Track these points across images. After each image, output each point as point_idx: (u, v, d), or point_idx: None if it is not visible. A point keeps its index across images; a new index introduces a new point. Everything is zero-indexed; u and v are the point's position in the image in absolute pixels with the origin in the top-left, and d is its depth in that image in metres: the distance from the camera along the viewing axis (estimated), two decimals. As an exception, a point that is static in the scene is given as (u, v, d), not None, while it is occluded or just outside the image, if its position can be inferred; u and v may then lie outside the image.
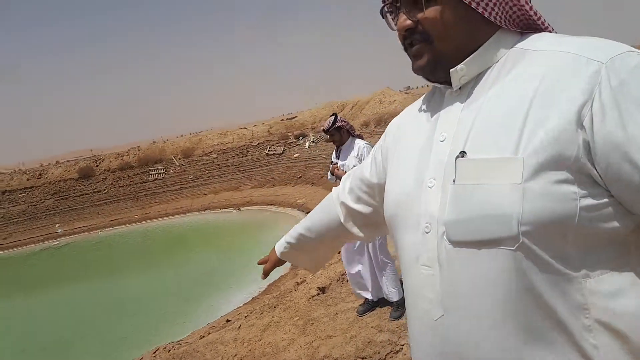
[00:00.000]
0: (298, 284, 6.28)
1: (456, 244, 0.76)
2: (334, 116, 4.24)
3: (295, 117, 35.40)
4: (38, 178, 27.79)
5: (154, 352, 7.30)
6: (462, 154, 0.77)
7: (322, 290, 5.11)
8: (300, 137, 29.01)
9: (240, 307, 9.54)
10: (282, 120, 35.35)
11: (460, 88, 0.84)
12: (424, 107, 0.96)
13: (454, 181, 0.77)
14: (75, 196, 27.26)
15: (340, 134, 4.28)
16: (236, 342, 4.67)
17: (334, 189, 1.35)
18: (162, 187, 27.87)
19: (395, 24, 0.90)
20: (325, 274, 5.71)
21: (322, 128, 4.46)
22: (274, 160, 28.14)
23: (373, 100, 26.45)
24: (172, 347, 7.04)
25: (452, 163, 0.78)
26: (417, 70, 0.87)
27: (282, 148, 28.64)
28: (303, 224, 1.36)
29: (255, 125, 33.80)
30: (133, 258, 20.33)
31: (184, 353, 5.06)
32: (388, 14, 0.92)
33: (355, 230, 1.24)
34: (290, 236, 1.39)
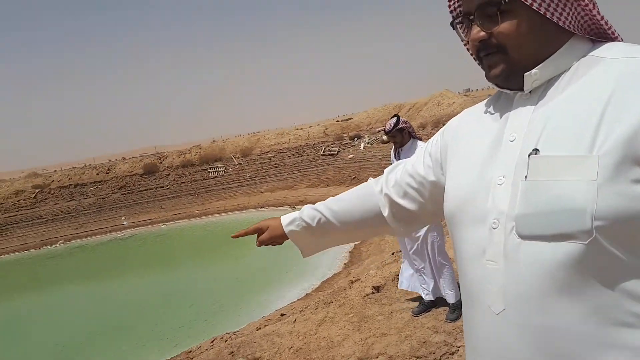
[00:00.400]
0: (352, 282, 6.35)
1: (525, 237, 0.78)
2: (396, 117, 4.26)
3: (351, 118, 35.47)
4: (107, 173, 29.51)
5: (212, 341, 7.60)
6: (535, 151, 0.79)
7: (377, 289, 5.16)
8: (356, 138, 29.05)
9: (294, 302, 9.74)
10: (338, 121, 35.53)
11: (530, 92, 0.87)
12: (489, 109, 0.97)
13: (525, 178, 0.79)
14: (140, 191, 28.74)
15: (402, 135, 4.28)
16: (292, 334, 4.81)
17: (370, 179, 1.31)
18: (221, 184, 28.82)
19: (465, 35, 0.94)
20: (380, 274, 5.75)
21: (384, 129, 4.48)
22: (329, 160, 28.36)
23: (431, 102, 26.05)
24: (229, 337, 7.30)
25: (524, 161, 0.80)
26: (491, 78, 0.89)
27: (337, 149, 28.80)
28: (329, 208, 1.29)
29: (311, 126, 34.16)
30: (193, 251, 21.17)
31: (241, 343, 5.26)
32: (458, 26, 0.96)
33: (394, 224, 1.22)
34: (309, 217, 1.30)
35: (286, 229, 1.32)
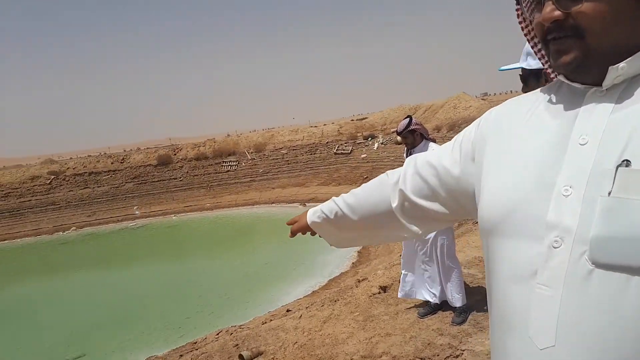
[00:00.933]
0: (359, 281, 6.35)
1: (601, 266, 0.65)
2: (408, 118, 4.25)
3: (366, 118, 35.44)
4: (121, 162, 29.81)
5: (217, 334, 7.65)
6: (626, 162, 0.66)
7: (384, 289, 5.15)
8: (369, 138, 29.00)
9: (300, 298, 9.76)
10: (352, 120, 35.50)
11: (606, 88, 0.75)
12: (547, 101, 0.84)
13: (608, 193, 0.66)
14: (153, 181, 29.00)
15: (413, 137, 4.28)
16: (297, 330, 4.83)
17: (389, 172, 1.20)
18: (233, 178, 28.97)
19: (531, 13, 0.80)
20: (387, 274, 5.74)
21: (396, 129, 4.48)
22: (342, 159, 28.34)
23: (447, 105, 25.91)
24: (235, 330, 7.34)
25: (601, 172, 0.68)
26: (559, 66, 0.76)
27: (350, 148, 28.77)
28: (345, 201, 1.24)
29: (325, 124, 34.18)
30: (202, 243, 21.31)
31: (246, 336, 5.29)
32: (524, 3, 0.82)
33: (406, 220, 1.12)
34: (328, 209, 1.27)
35: (309, 221, 1.33)
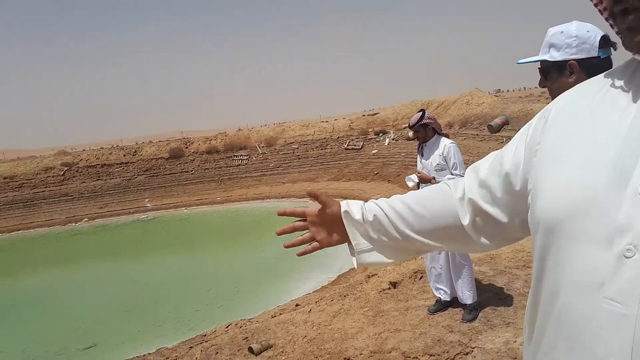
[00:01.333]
0: (369, 276, 6.34)
1: None
2: (421, 112, 4.23)
3: (377, 113, 35.25)
4: (133, 155, 30.02)
5: (227, 327, 7.69)
6: None
7: (394, 285, 5.14)
8: (381, 134, 28.87)
9: (309, 293, 9.79)
10: (364, 115, 35.36)
11: None
12: (619, 87, 0.73)
13: None
14: (165, 174, 29.18)
15: (425, 131, 4.25)
16: (306, 324, 4.84)
17: (443, 183, 1.06)
18: (244, 172, 29.06)
19: None
20: (397, 270, 5.72)
21: (407, 124, 4.45)
22: (352, 154, 28.28)
23: (460, 101, 25.65)
24: (244, 323, 7.37)
25: None
26: (634, 45, 0.66)
27: (361, 143, 28.69)
28: (393, 207, 1.06)
29: (336, 119, 34.09)
30: (213, 237, 21.44)
31: (255, 329, 5.32)
32: None
33: (476, 236, 0.98)
34: (369, 208, 1.09)
35: (343, 208, 1.10)
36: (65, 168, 28.66)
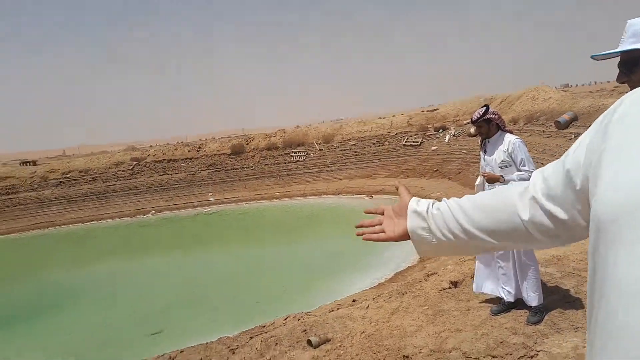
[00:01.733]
0: (428, 275, 6.25)
1: None
2: (485, 107, 4.11)
3: (437, 109, 34.47)
4: (197, 151, 31.22)
5: (285, 319, 7.85)
6: None
7: (455, 284, 5.04)
8: (441, 130, 28.25)
9: (366, 290, 9.78)
10: (423, 111, 34.69)
11: None
12: None
13: None
14: (227, 170, 30.15)
15: (488, 127, 4.13)
16: (364, 320, 4.85)
17: (512, 185, 1.07)
18: (302, 168, 29.45)
19: None
20: (458, 270, 5.61)
21: (470, 120, 4.35)
22: (411, 151, 27.88)
23: (525, 97, 24.54)
24: (302, 316, 7.49)
25: None
26: None
27: (420, 140, 28.22)
28: (458, 204, 1.09)
29: (394, 116, 33.71)
30: (271, 231, 21.91)
31: (314, 323, 5.39)
32: None
33: (536, 233, 0.96)
34: (440, 231, 1.10)
35: (413, 199, 1.16)
36: (134, 163, 30.27)
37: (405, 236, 1.16)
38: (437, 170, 24.81)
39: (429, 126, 29.23)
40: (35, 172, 29.61)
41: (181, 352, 6.41)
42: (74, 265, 19.27)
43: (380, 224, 1.20)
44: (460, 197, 1.12)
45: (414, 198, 1.17)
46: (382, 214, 1.22)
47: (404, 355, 3.73)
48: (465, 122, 27.01)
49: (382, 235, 1.19)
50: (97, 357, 10.20)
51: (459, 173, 22.78)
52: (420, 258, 13.27)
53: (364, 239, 1.23)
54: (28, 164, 34.70)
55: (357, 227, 1.23)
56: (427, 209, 1.12)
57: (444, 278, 5.27)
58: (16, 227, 26.51)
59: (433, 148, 26.79)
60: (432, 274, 6.13)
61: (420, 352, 3.67)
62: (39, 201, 28.15)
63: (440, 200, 1.15)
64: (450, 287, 4.97)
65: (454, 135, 26.61)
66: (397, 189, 1.22)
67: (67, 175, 29.37)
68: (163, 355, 6.55)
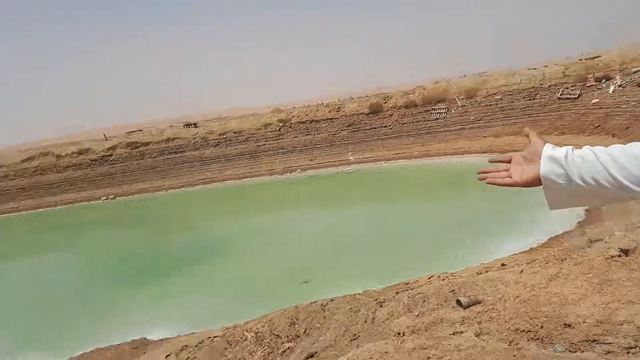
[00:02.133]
0: (591, 241, 5.77)
1: None
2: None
3: (599, 57, 30.26)
4: (337, 111, 31.99)
5: (429, 278, 7.91)
6: None
7: (625, 252, 4.59)
8: (603, 80, 24.86)
9: (516, 254, 9.35)
10: (581, 60, 30.75)
11: None
12: None
13: None
14: (365, 129, 30.50)
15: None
16: (518, 285, 4.70)
17: None
18: (442, 126, 28.50)
19: None
20: (628, 236, 5.08)
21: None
22: (567, 105, 25.13)
23: None
24: (447, 276, 7.48)
25: None
26: None
27: (577, 92, 25.22)
28: (607, 152, 1.01)
29: (546, 66, 30.50)
30: (411, 190, 21.90)
31: (462, 283, 5.37)
32: None
33: None
34: (582, 179, 1.03)
35: (547, 145, 1.11)
36: (281, 124, 32.19)
37: (534, 182, 1.12)
38: (598, 125, 22.09)
39: (589, 76, 25.90)
40: (197, 133, 33.23)
41: (332, 300, 6.89)
42: (237, 217, 21.77)
43: (507, 171, 1.17)
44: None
45: (548, 144, 1.11)
46: (509, 162, 1.18)
47: (565, 324, 3.57)
48: (634, 69, 23.40)
49: (507, 180, 1.16)
50: (255, 298, 11.44)
51: (627, 129, 20.04)
52: (578, 223, 12.19)
53: (487, 182, 1.20)
54: (190, 125, 38.94)
55: (479, 172, 1.20)
56: (567, 155, 1.06)
57: (612, 245, 4.82)
58: (182, 182, 30.58)
59: (594, 101, 23.78)
60: (596, 240, 5.65)
61: (584, 322, 3.48)
62: (201, 159, 31.75)
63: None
64: (620, 255, 4.55)
65: (620, 86, 23.25)
66: (527, 136, 1.16)
67: (224, 136, 32.46)
68: (315, 302, 7.12)
